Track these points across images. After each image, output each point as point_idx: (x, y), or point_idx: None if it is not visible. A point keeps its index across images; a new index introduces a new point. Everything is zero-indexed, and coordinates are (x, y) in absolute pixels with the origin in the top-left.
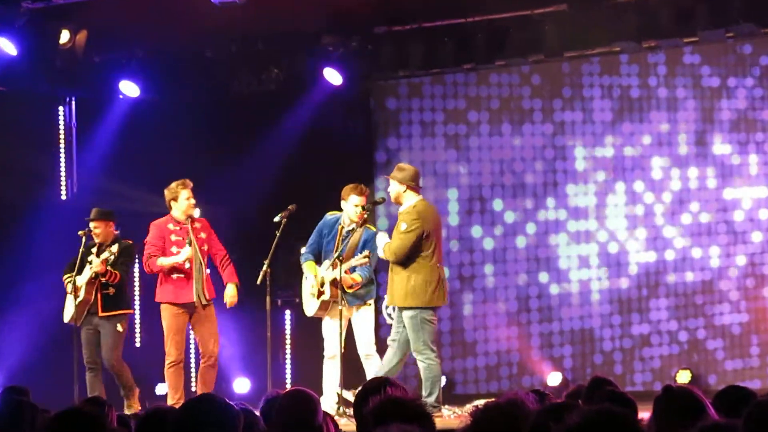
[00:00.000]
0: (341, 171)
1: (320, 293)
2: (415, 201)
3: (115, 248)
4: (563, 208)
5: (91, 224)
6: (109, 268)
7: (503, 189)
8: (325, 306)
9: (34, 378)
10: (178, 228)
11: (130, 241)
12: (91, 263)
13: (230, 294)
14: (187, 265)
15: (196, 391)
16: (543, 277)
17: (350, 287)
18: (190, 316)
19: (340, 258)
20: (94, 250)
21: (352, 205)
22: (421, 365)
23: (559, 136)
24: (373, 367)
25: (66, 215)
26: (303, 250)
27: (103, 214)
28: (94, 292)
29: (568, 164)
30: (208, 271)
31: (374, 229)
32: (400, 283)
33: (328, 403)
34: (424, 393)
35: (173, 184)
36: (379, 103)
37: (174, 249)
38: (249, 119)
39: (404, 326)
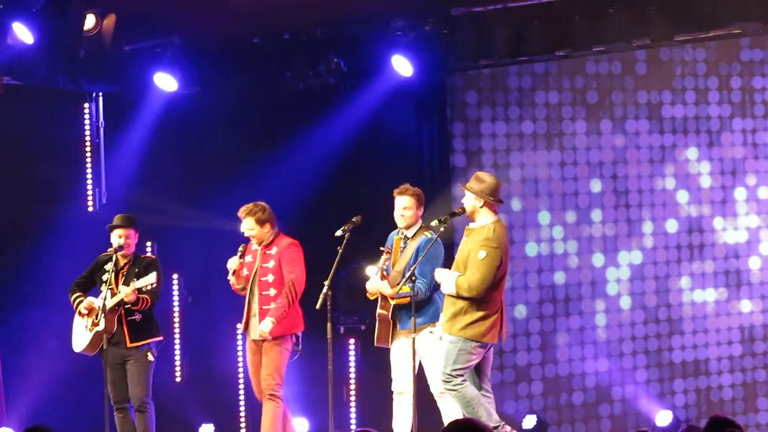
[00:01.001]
0: (412, 177)
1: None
2: (491, 221)
3: (153, 276)
4: (674, 219)
5: (117, 232)
6: (139, 294)
7: (602, 197)
8: (386, 332)
9: (58, 416)
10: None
11: (153, 256)
12: (105, 282)
13: (261, 329)
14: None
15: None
16: (650, 299)
17: (393, 298)
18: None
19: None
20: (109, 266)
21: (397, 208)
22: (453, 394)
23: (668, 135)
24: (451, 407)
25: (93, 230)
26: (368, 269)
27: (130, 220)
28: (116, 321)
29: (679, 167)
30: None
31: (429, 236)
32: (455, 308)
33: None
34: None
35: None
36: (457, 97)
37: (245, 271)
38: (304, 117)
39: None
